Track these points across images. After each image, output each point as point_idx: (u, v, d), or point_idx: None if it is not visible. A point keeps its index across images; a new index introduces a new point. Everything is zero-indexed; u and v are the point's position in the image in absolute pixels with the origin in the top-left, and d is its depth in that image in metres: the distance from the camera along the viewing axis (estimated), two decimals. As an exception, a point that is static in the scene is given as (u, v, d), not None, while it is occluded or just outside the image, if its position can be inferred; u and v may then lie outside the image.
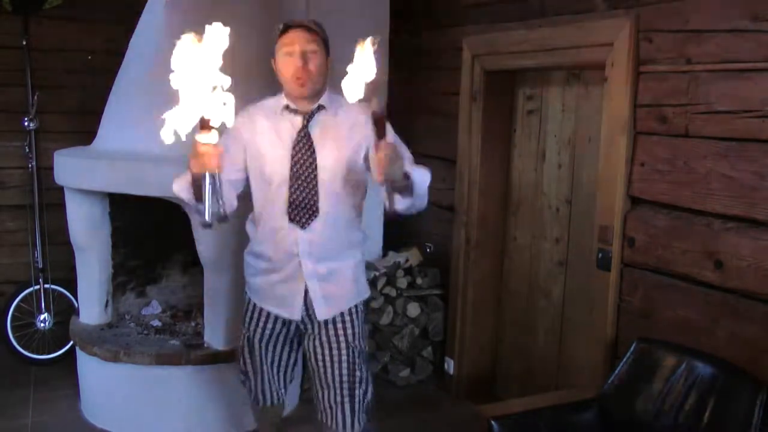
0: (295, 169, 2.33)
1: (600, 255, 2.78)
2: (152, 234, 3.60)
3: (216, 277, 3.14)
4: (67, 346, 3.94)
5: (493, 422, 2.29)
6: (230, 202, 2.33)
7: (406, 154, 2.29)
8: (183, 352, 3.18)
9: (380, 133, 2.02)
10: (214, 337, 3.21)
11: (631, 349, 2.44)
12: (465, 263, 3.67)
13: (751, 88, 2.22)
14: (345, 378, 2.46)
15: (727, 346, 2.29)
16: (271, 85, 3.02)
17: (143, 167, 3.01)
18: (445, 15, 3.86)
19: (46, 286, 4.05)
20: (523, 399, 2.81)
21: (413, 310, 3.80)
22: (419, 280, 3.85)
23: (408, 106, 4.06)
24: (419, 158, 2.39)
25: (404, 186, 2.15)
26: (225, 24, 1.87)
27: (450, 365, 3.82)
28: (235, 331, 2.69)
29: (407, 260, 3.91)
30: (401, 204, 2.18)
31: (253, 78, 3.25)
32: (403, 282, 3.81)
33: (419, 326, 3.84)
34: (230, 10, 3.27)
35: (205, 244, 3.06)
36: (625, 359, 2.44)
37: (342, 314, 2.46)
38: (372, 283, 3.69)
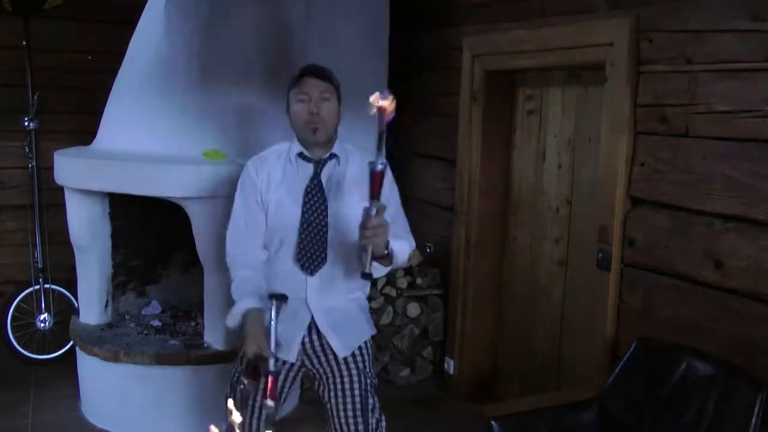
0: (306, 216, 2.32)
1: (600, 255, 2.78)
2: (152, 234, 3.60)
3: (216, 277, 3.13)
4: (67, 346, 3.93)
5: (493, 422, 2.29)
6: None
7: (397, 214, 2.37)
8: (183, 352, 3.18)
9: (374, 192, 2.02)
10: (214, 337, 3.21)
11: (631, 349, 2.44)
12: (465, 263, 3.67)
13: (751, 88, 2.22)
14: (358, 406, 2.38)
15: (727, 346, 2.29)
16: (268, 86, 3.02)
17: (143, 167, 3.01)
18: (445, 15, 3.86)
19: (46, 286, 4.05)
20: (523, 399, 2.82)
21: (413, 310, 3.80)
22: (419, 280, 3.85)
23: (408, 106, 4.06)
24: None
25: (383, 256, 2.18)
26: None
27: (450, 365, 3.82)
28: (235, 331, 2.67)
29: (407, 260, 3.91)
30: (378, 272, 2.24)
31: (251, 77, 3.27)
32: (403, 282, 3.80)
33: (419, 326, 3.84)
34: (230, 9, 3.29)
35: (205, 244, 3.06)
36: (625, 359, 2.44)
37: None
38: (372, 283, 3.68)
